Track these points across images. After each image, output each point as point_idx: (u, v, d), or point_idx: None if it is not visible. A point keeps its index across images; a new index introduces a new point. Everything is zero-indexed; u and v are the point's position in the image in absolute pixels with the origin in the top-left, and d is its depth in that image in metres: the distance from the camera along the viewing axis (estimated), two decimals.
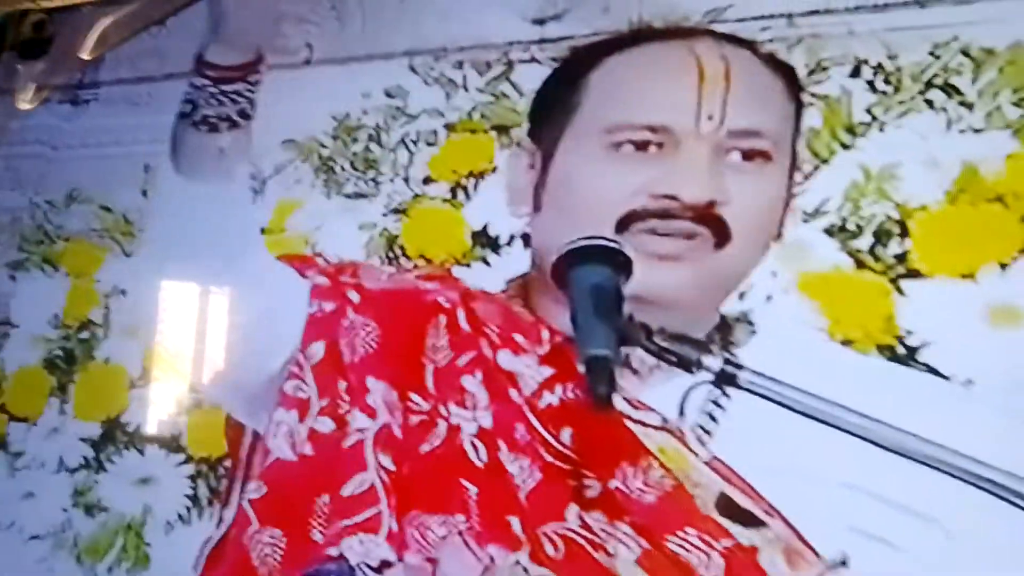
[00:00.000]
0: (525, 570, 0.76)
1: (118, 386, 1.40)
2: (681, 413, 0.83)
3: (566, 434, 0.81)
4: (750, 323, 0.90)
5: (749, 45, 0.87)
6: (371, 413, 0.82)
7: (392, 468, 0.79)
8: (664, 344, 0.72)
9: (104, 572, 1.35)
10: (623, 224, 0.82)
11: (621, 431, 0.80)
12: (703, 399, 0.83)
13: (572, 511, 0.79)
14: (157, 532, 1.32)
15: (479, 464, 0.81)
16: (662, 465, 0.79)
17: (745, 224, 0.83)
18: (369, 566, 0.76)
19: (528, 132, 0.93)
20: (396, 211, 1.26)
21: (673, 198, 0.81)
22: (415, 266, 1.23)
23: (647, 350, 0.73)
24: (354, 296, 0.86)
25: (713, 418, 0.83)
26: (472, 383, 0.84)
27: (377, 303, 0.86)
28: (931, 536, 0.79)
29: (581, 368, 0.69)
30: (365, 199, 1.29)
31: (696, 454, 0.80)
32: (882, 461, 0.67)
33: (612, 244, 0.75)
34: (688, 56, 0.84)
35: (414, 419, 0.82)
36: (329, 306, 0.85)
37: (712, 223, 0.81)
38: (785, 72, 0.87)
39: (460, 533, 0.78)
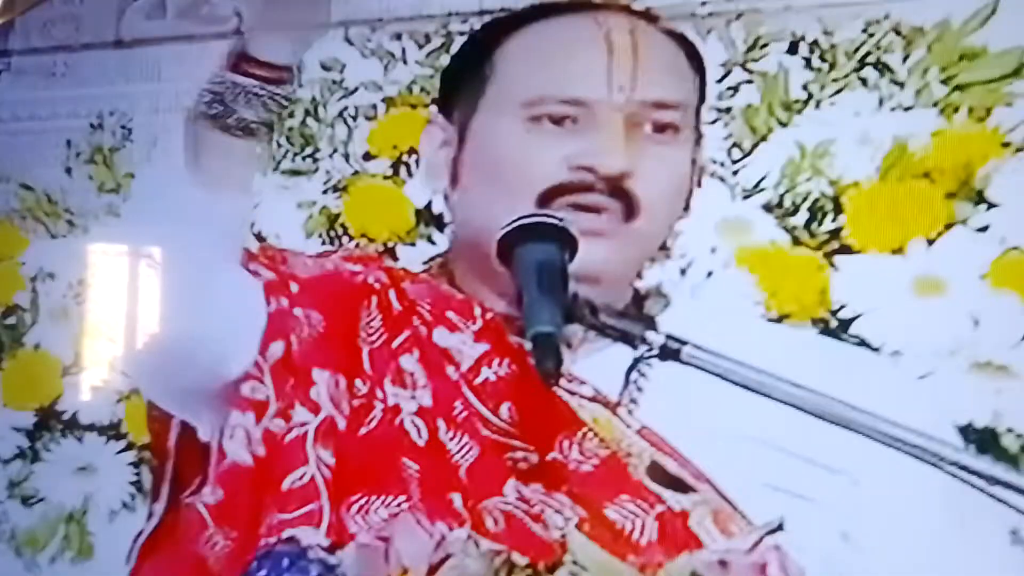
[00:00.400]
0: (477, 544, 0.76)
1: (50, 372, 1.35)
2: (626, 385, 0.84)
3: (504, 409, 0.81)
4: (663, 295, 0.91)
5: (652, 19, 0.87)
6: (314, 407, 0.80)
7: (331, 462, 0.78)
8: (609, 321, 0.73)
9: (46, 563, 1.31)
10: (545, 198, 0.82)
11: (557, 404, 0.81)
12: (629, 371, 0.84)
13: (511, 485, 0.79)
14: (100, 521, 1.30)
15: (419, 443, 0.80)
16: (596, 435, 0.80)
17: (655, 198, 0.83)
18: (321, 547, 0.75)
19: (439, 107, 0.92)
20: (336, 188, 1.24)
21: (591, 169, 0.81)
22: (357, 245, 1.21)
23: (592, 327, 0.74)
24: (294, 287, 0.84)
25: (638, 387, 0.83)
26: (409, 362, 0.83)
27: (313, 291, 0.84)
28: (856, 497, 0.81)
29: (527, 345, 0.70)
30: (303, 176, 1.26)
31: (627, 424, 0.81)
32: (810, 427, 0.69)
33: (558, 221, 0.75)
34: (596, 29, 0.84)
35: (355, 403, 0.82)
36: (283, 301, 0.83)
37: (621, 196, 0.81)
38: (688, 48, 0.88)
39: (407, 511, 0.78)
